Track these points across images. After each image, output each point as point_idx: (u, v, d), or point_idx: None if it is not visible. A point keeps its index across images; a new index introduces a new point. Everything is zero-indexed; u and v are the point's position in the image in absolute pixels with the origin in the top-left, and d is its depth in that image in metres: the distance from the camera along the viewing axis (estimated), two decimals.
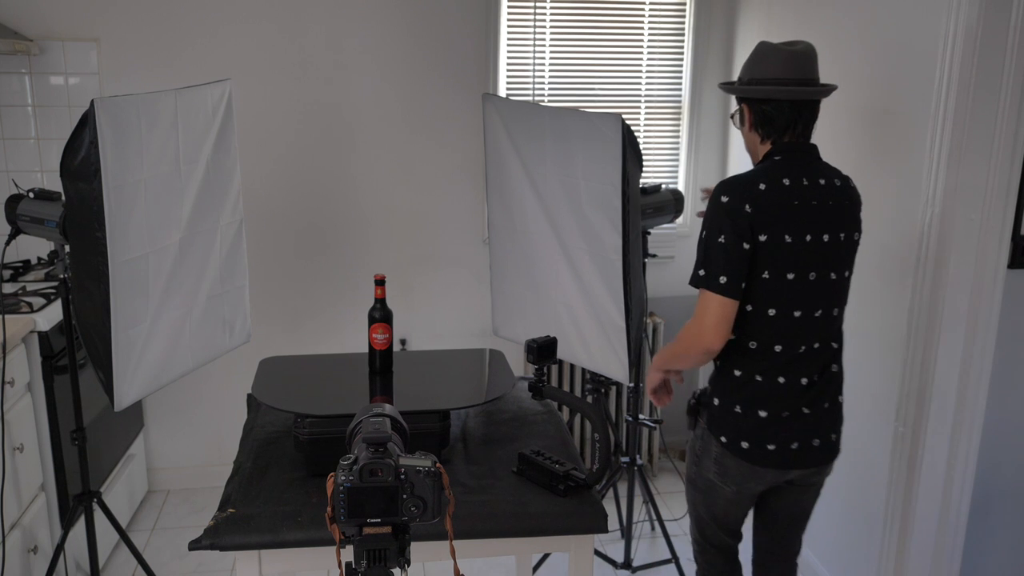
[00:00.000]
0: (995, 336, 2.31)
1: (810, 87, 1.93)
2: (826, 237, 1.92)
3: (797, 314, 1.93)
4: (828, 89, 1.95)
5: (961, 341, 2.30)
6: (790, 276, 1.90)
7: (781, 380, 1.96)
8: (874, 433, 2.58)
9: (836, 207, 1.94)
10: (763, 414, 1.96)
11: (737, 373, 1.98)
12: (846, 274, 1.99)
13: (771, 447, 1.97)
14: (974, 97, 2.15)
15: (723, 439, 2.00)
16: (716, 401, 2.02)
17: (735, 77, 3.54)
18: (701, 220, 1.99)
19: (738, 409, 1.98)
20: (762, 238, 1.87)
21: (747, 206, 1.86)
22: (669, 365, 2.12)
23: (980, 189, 2.21)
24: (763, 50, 1.97)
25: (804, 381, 1.97)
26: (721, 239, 1.87)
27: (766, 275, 1.90)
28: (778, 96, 1.92)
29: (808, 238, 1.90)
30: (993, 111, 2.16)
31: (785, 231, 1.88)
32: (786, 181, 1.89)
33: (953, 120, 2.19)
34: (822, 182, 1.93)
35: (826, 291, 1.95)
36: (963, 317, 2.28)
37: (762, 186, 1.88)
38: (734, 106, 2.08)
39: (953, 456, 2.37)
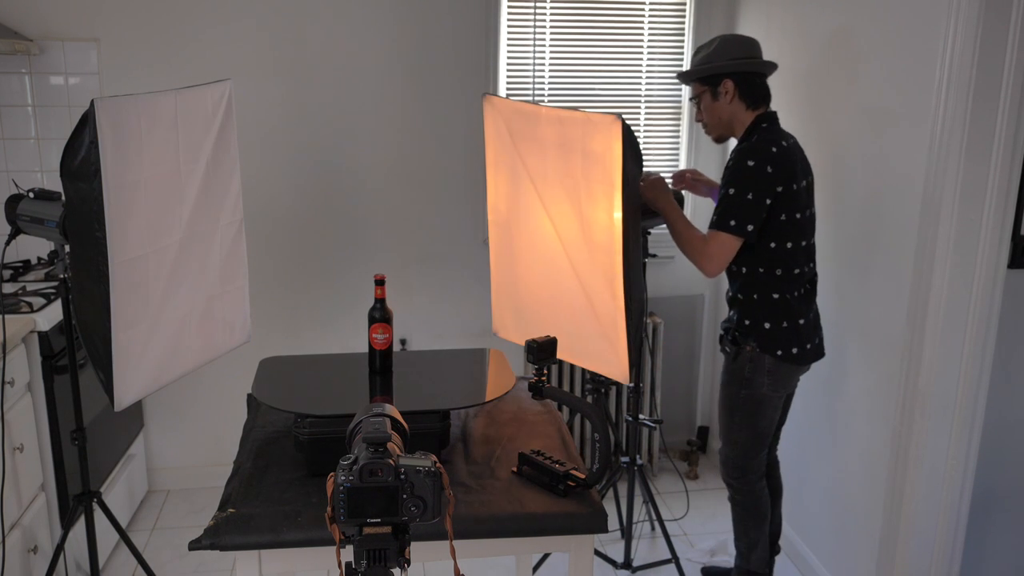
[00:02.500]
0: (995, 336, 2.31)
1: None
2: (805, 183, 2.47)
3: (804, 243, 2.46)
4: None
5: (961, 341, 2.30)
6: (798, 216, 2.42)
7: (796, 294, 2.48)
8: (874, 433, 2.58)
9: (804, 159, 2.51)
10: (802, 322, 2.49)
11: (776, 296, 2.47)
12: (815, 207, 2.58)
13: (809, 346, 2.51)
14: (974, 97, 2.15)
15: (779, 352, 2.48)
16: (767, 325, 2.48)
17: None
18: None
19: (785, 324, 2.47)
20: (779, 189, 2.37)
21: (768, 167, 2.36)
22: (670, 223, 2.52)
23: (980, 189, 2.21)
24: (732, 38, 2.50)
25: (803, 291, 2.51)
26: (750, 196, 2.35)
27: (783, 217, 2.40)
28: (765, 69, 2.48)
29: (804, 184, 2.45)
30: (993, 111, 2.16)
31: (793, 182, 2.39)
32: (784, 144, 2.41)
33: (953, 120, 2.19)
34: (793, 141, 2.48)
35: (813, 222, 2.53)
36: (963, 317, 2.28)
37: (774, 149, 2.38)
38: (691, 92, 2.57)
39: (953, 456, 2.37)
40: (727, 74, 2.44)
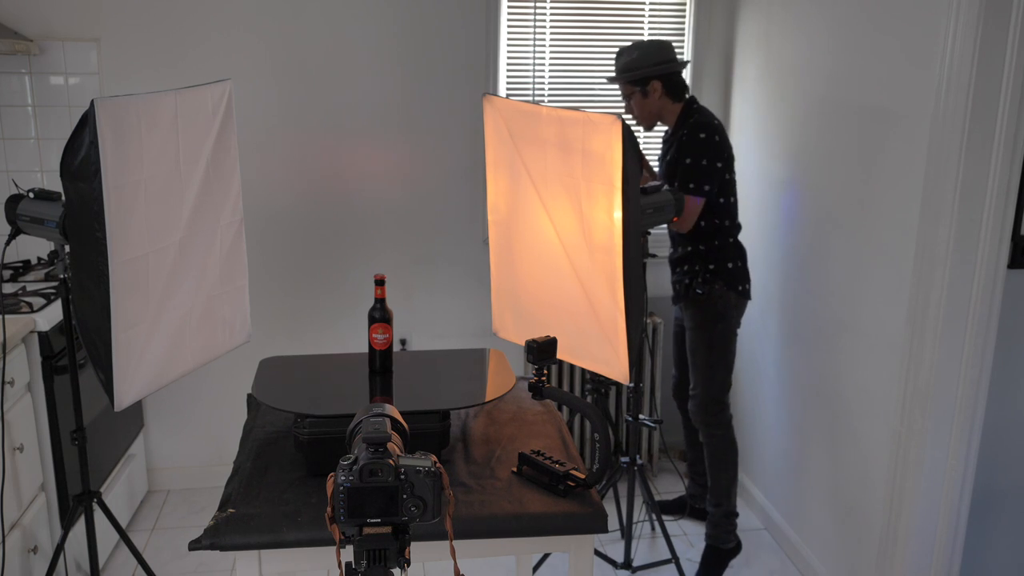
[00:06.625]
0: (995, 336, 2.31)
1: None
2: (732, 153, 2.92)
3: (733, 200, 2.92)
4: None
5: (961, 341, 2.30)
6: (734, 176, 2.93)
7: (737, 240, 2.95)
8: (874, 433, 2.58)
9: None
10: (742, 264, 2.94)
11: (731, 240, 2.92)
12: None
13: (750, 285, 2.98)
14: (974, 97, 2.15)
15: (740, 288, 2.91)
16: (730, 265, 2.89)
17: (735, 76, 3.55)
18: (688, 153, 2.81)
19: (740, 264, 2.92)
20: (725, 155, 2.84)
21: (717, 137, 2.82)
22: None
23: (980, 189, 2.21)
24: (652, 44, 2.90)
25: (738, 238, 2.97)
26: (704, 162, 2.78)
27: (727, 176, 2.87)
28: (681, 67, 2.92)
29: (731, 152, 2.90)
30: (993, 111, 2.16)
31: (729, 149, 2.87)
32: (716, 122, 2.87)
33: (953, 120, 2.19)
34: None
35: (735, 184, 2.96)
36: (963, 317, 2.28)
37: (716, 123, 2.86)
38: (622, 92, 2.95)
39: (953, 456, 2.37)
40: (654, 76, 2.86)
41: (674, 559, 2.93)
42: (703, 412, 2.97)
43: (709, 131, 2.80)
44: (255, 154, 3.36)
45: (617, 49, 2.96)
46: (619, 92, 3.03)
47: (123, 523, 3.14)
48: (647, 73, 2.86)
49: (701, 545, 3.21)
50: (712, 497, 3.01)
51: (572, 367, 3.57)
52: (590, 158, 2.15)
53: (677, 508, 3.43)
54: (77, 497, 2.51)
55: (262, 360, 2.25)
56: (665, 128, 3.03)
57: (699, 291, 2.88)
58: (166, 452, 3.58)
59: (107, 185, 1.91)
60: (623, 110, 3.63)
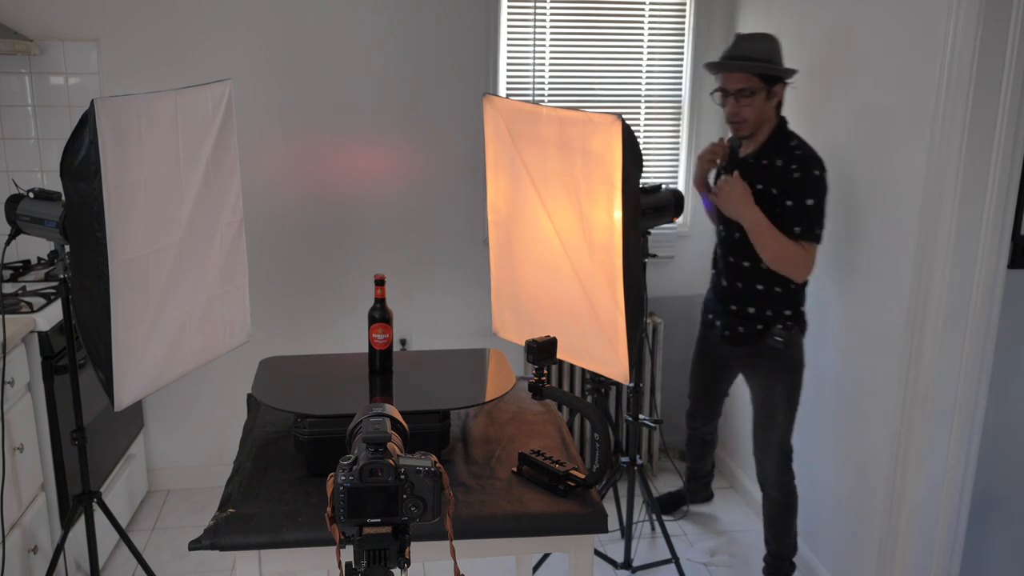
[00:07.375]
0: (995, 336, 2.31)
1: None
2: None
3: None
4: None
5: (961, 341, 2.30)
6: None
7: (806, 283, 2.68)
8: (874, 433, 2.58)
9: None
10: (804, 308, 2.71)
11: (804, 284, 2.65)
12: None
13: None
14: (974, 97, 2.15)
15: (804, 334, 2.69)
16: (802, 309, 2.68)
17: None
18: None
19: (803, 308, 2.68)
20: None
21: (826, 175, 2.52)
22: (759, 234, 2.51)
23: (980, 189, 2.21)
24: (777, 40, 2.57)
25: None
26: (824, 204, 2.50)
27: None
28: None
29: None
30: (993, 111, 2.16)
31: None
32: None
33: (953, 120, 2.19)
34: None
35: None
36: (963, 317, 2.28)
37: (820, 157, 2.54)
38: (735, 84, 2.56)
39: (953, 456, 2.37)
40: (786, 79, 2.56)
41: (674, 559, 2.93)
42: (779, 471, 2.75)
43: (822, 168, 2.51)
44: (255, 154, 3.36)
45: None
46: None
47: (123, 523, 3.14)
48: (782, 73, 2.54)
49: (701, 545, 3.22)
50: (780, 551, 2.83)
51: (572, 367, 3.57)
52: (590, 158, 2.15)
53: (676, 502, 3.43)
54: (77, 497, 2.51)
55: (262, 360, 2.25)
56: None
57: (778, 339, 2.63)
58: (166, 452, 3.58)
59: (107, 185, 1.91)
60: (622, 111, 3.63)
